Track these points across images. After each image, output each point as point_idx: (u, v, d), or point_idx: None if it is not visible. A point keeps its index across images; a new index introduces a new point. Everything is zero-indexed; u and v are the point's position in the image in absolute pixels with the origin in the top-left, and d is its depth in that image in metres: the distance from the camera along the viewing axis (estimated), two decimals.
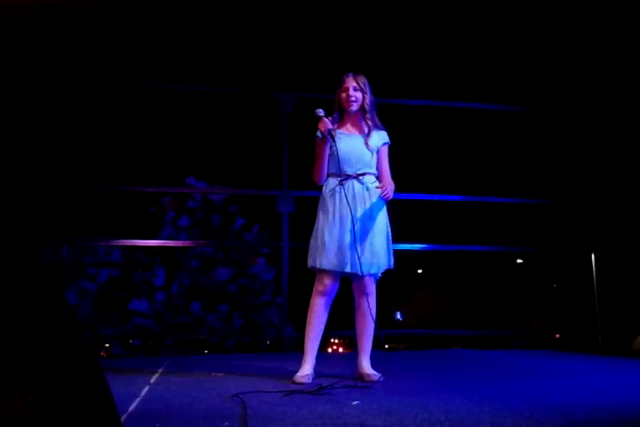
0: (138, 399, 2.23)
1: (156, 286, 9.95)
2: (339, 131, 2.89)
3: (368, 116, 2.90)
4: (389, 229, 2.88)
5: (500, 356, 4.05)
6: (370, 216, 2.80)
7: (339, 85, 2.91)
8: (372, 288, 2.83)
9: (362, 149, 2.85)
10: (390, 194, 2.77)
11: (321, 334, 2.82)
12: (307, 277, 2.94)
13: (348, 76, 2.90)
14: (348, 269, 2.72)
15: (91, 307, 9.55)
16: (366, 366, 2.79)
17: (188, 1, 5.17)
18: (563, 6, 4.65)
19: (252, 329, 10.06)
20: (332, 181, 2.85)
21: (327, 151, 2.83)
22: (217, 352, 9.54)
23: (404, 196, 4.61)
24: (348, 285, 2.94)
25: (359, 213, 2.78)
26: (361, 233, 2.76)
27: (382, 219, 2.85)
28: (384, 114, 3.06)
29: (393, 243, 2.90)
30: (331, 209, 2.80)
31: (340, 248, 2.73)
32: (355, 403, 2.11)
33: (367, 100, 2.88)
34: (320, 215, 2.85)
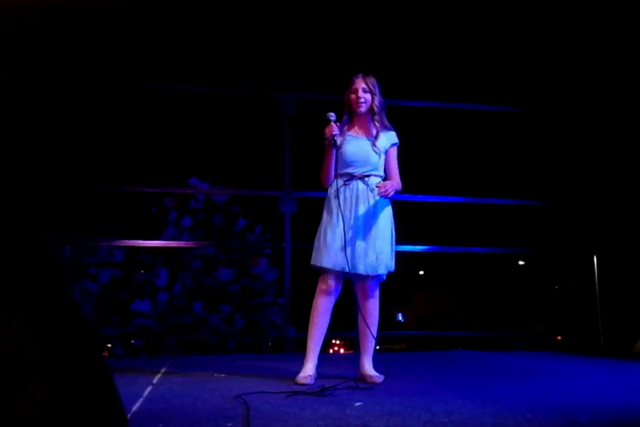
0: (140, 400, 2.24)
1: (158, 287, 9.95)
2: (347, 132, 2.90)
3: (377, 117, 2.89)
4: (394, 231, 2.88)
5: (502, 357, 4.05)
6: (373, 217, 2.79)
7: (348, 86, 2.91)
8: (374, 290, 2.83)
9: (369, 150, 2.85)
10: (390, 191, 2.74)
11: (324, 334, 2.82)
12: (309, 278, 2.94)
13: (357, 78, 2.90)
14: (349, 270, 2.72)
15: (93, 307, 9.55)
16: (368, 367, 2.79)
17: (190, 1, 5.18)
18: (562, 8, 4.66)
19: (254, 330, 10.06)
20: (337, 182, 2.86)
21: (333, 155, 2.84)
22: (219, 353, 9.54)
23: (405, 197, 4.62)
24: (349, 285, 2.94)
25: (361, 213, 2.78)
26: (364, 234, 2.76)
27: (387, 220, 2.85)
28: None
29: (395, 244, 2.90)
30: (334, 209, 2.80)
31: (343, 248, 2.73)
32: (357, 404, 2.11)
33: (376, 102, 2.88)
34: (324, 215, 2.86)
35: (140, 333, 9.64)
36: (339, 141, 2.84)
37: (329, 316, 2.82)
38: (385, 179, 2.90)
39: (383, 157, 2.89)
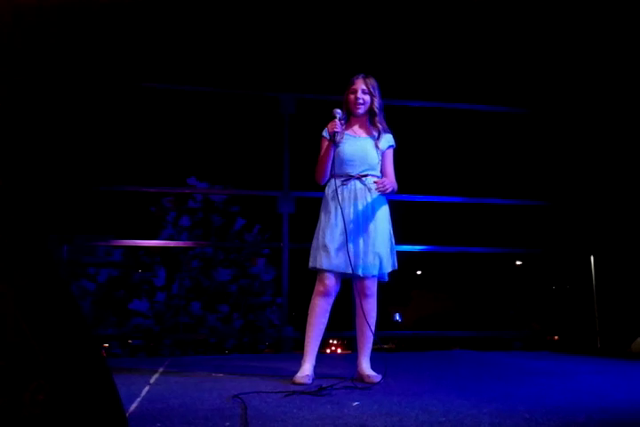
0: (138, 399, 2.24)
1: (156, 286, 9.95)
2: (345, 132, 2.89)
3: (377, 119, 2.90)
4: (392, 230, 2.89)
5: (499, 357, 4.06)
6: (372, 217, 2.79)
7: (347, 87, 2.91)
8: (372, 290, 2.83)
9: (367, 150, 2.86)
10: (388, 187, 2.74)
11: (321, 335, 2.83)
12: (307, 278, 2.94)
13: (357, 78, 2.89)
14: (349, 271, 2.72)
15: (90, 307, 9.55)
16: (366, 367, 2.80)
17: (189, 1, 5.18)
18: (559, 9, 4.67)
19: (252, 329, 10.07)
20: (335, 182, 2.85)
21: (331, 152, 2.82)
22: (217, 353, 9.54)
23: (404, 197, 4.63)
24: (346, 285, 2.95)
25: (360, 214, 2.78)
26: (362, 234, 2.76)
27: (384, 220, 2.85)
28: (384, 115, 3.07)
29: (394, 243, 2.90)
30: (332, 210, 2.80)
31: (341, 249, 2.73)
32: (355, 404, 2.12)
33: (376, 104, 2.89)
34: (322, 216, 2.86)
35: (138, 332, 9.64)
36: (338, 139, 2.84)
37: (327, 317, 2.83)
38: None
39: (380, 157, 2.90)
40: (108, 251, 10.15)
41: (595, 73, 4.89)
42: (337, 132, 2.79)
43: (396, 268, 2.87)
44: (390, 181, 2.81)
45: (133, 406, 2.11)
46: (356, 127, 2.93)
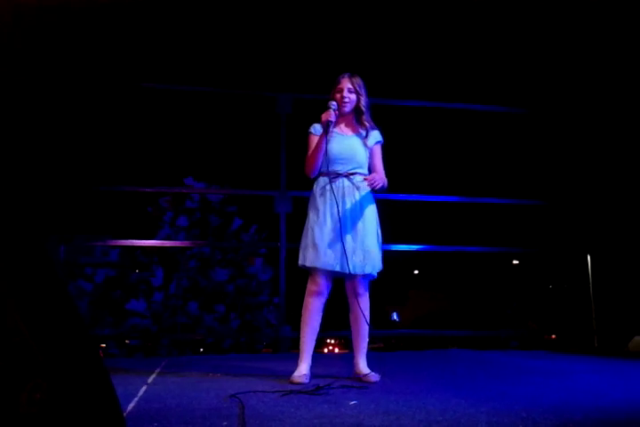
0: (135, 399, 2.24)
1: (153, 286, 9.95)
2: (333, 130, 2.90)
3: (364, 117, 2.91)
4: (379, 229, 2.89)
5: (497, 356, 4.07)
6: (360, 215, 2.79)
7: (334, 86, 2.93)
8: (364, 288, 2.83)
9: (354, 148, 2.87)
10: (378, 183, 2.75)
11: (316, 334, 2.83)
12: (304, 278, 2.94)
13: (343, 77, 2.91)
14: (338, 269, 2.72)
15: (88, 307, 9.54)
16: (363, 366, 2.80)
17: (187, 2, 5.18)
18: (555, 9, 4.68)
19: (249, 329, 10.07)
20: (323, 180, 2.86)
21: (324, 143, 2.80)
22: (214, 353, 9.54)
23: (401, 197, 4.63)
24: (343, 285, 2.95)
25: (349, 211, 2.78)
26: (352, 232, 2.76)
27: (373, 219, 2.85)
28: (381, 115, 3.07)
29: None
30: (321, 208, 2.80)
31: (331, 247, 2.73)
32: (352, 403, 2.12)
33: (362, 102, 2.90)
34: (310, 214, 2.85)
35: (136, 332, 9.63)
36: (331, 129, 2.83)
37: (320, 315, 2.83)
38: None
39: (368, 154, 2.91)
40: (105, 251, 10.14)
41: (592, 73, 4.90)
42: (331, 121, 2.79)
43: (382, 268, 2.86)
44: (380, 177, 2.81)
45: (131, 405, 2.11)
46: (342, 126, 2.94)
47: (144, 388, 2.54)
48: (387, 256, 2.96)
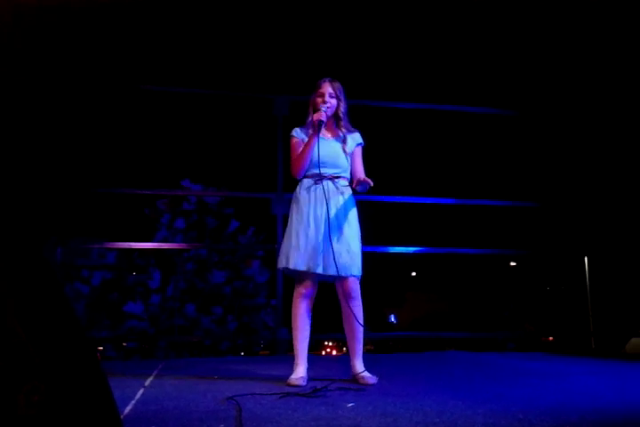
0: (133, 402, 2.24)
1: (150, 289, 9.94)
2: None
3: (342, 123, 2.94)
4: (360, 232, 2.89)
5: (494, 358, 4.07)
6: (345, 218, 2.81)
7: (314, 89, 2.94)
8: (355, 290, 2.81)
9: (337, 152, 2.89)
10: (371, 184, 2.75)
11: (308, 336, 2.83)
12: None
13: (324, 82, 2.93)
14: (320, 271, 2.71)
15: (85, 309, 9.52)
16: (359, 368, 2.79)
17: (185, 5, 5.19)
18: (545, 13, 4.69)
19: (247, 331, 10.06)
20: (307, 182, 2.87)
21: (315, 142, 2.81)
22: (211, 355, 9.53)
23: (398, 199, 4.63)
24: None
25: (332, 214, 2.79)
26: (338, 234, 2.76)
27: (355, 221, 2.87)
28: (375, 117, 3.08)
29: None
30: (305, 210, 2.81)
31: (315, 249, 2.73)
32: (349, 405, 2.12)
33: (342, 108, 2.93)
34: (293, 216, 2.85)
35: (133, 335, 9.61)
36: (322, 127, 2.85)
37: (310, 317, 2.85)
38: (350, 179, 2.91)
39: (349, 159, 2.92)
40: (102, 253, 10.13)
41: (583, 76, 4.92)
42: (322, 121, 2.81)
43: (361, 273, 2.84)
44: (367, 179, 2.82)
45: (128, 408, 2.11)
46: (324, 130, 2.95)
47: (141, 390, 2.53)
48: (384, 258, 2.97)
